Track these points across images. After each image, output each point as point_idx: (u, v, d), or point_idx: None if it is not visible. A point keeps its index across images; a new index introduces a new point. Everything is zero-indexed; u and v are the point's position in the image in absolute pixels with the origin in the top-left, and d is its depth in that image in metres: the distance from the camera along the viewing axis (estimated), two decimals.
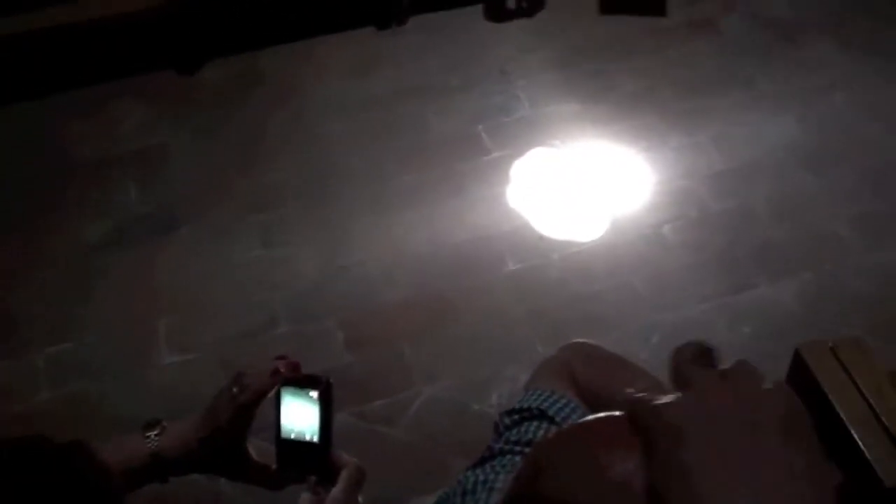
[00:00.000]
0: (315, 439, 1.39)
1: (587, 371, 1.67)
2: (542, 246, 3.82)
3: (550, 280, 3.70)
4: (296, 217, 3.97)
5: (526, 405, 1.51)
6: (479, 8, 4.89)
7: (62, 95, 4.46)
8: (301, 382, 1.42)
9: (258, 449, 1.49)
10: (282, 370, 1.43)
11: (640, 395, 0.88)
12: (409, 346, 3.50)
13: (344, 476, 1.37)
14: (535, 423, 1.48)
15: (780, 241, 3.82)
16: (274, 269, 3.79)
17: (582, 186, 4.04)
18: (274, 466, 1.42)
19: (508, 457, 1.45)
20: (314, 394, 1.40)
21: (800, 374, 1.89)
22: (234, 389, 1.46)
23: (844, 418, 1.78)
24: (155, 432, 1.49)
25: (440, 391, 3.34)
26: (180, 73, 4.61)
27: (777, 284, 3.66)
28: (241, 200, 4.01)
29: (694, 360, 1.07)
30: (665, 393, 1.07)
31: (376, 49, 4.71)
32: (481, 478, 1.40)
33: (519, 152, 4.17)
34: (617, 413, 1.07)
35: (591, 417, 1.12)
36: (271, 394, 1.46)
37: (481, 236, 3.85)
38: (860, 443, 1.74)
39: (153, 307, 3.65)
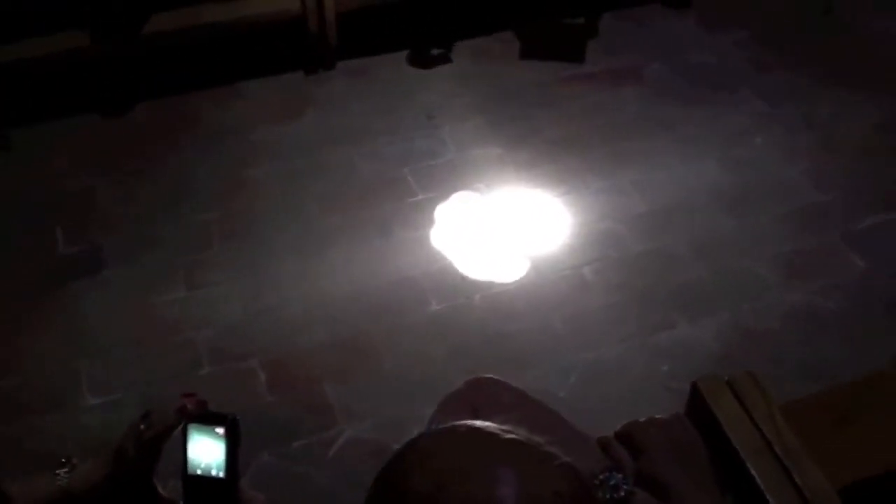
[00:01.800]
0: (221, 475, 1.42)
1: (488, 406, 1.70)
2: (465, 286, 3.86)
3: (472, 320, 3.74)
4: (221, 259, 3.98)
5: None
6: (405, 54, 4.95)
7: None
8: (207, 419, 1.44)
9: (166, 486, 1.51)
10: (189, 407, 1.46)
11: None
12: (330, 386, 3.52)
13: None
14: None
15: (700, 282, 3.89)
16: (198, 309, 3.79)
17: (505, 228, 4.10)
18: (181, 502, 1.44)
19: None
20: (220, 430, 1.43)
21: (697, 407, 1.94)
22: (142, 426, 1.48)
23: (739, 449, 1.83)
24: (65, 470, 1.51)
25: (361, 431, 3.36)
26: (108, 115, 4.61)
27: (695, 324, 3.73)
28: (166, 243, 4.02)
29: None
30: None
31: (304, 93, 4.75)
32: None
33: (444, 195, 4.23)
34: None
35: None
36: (177, 431, 1.48)
37: (405, 277, 3.89)
38: (754, 472, 1.80)
39: (76, 348, 3.64)
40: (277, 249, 4.00)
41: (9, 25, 4.32)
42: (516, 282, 3.89)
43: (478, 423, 1.27)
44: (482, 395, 1.71)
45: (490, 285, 3.87)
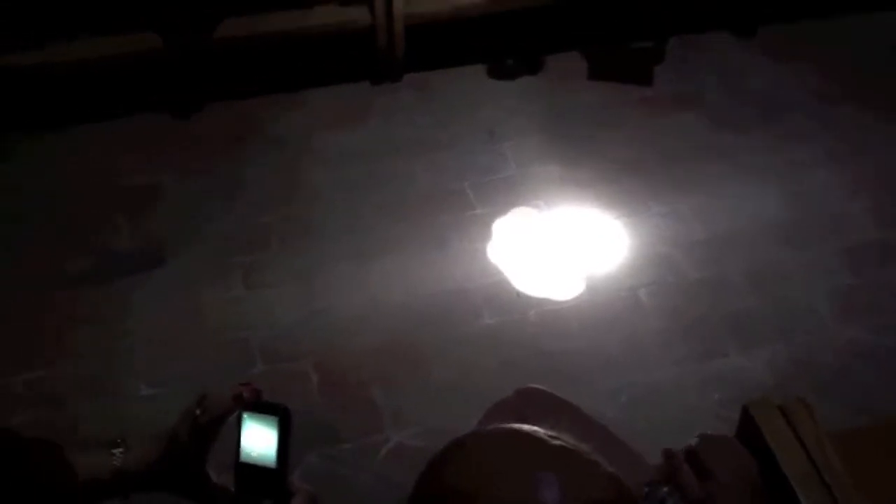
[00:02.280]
0: (273, 465, 1.44)
1: (536, 415, 1.71)
2: (520, 302, 3.87)
3: (525, 335, 3.75)
4: (278, 261, 4.03)
5: None
6: (473, 69, 4.98)
7: (61, 132, 4.54)
8: (262, 409, 1.46)
9: (218, 471, 1.53)
10: (244, 395, 1.48)
11: None
12: (380, 391, 3.54)
13: (296, 501, 1.42)
14: None
15: (754, 312, 3.88)
16: (253, 309, 3.84)
17: (562, 247, 4.11)
18: (232, 489, 1.46)
19: None
20: (274, 420, 1.45)
21: (748, 431, 1.94)
22: (197, 411, 1.51)
23: (788, 474, 1.82)
24: (119, 450, 1.54)
25: (408, 437, 3.38)
26: (176, 116, 4.68)
27: (748, 353, 3.72)
28: (226, 242, 4.07)
29: None
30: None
31: (369, 103, 4.79)
32: None
33: (502, 210, 4.24)
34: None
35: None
36: (232, 417, 1.51)
37: (459, 289, 3.91)
38: (801, 499, 1.79)
39: (131, 340, 3.70)
40: (334, 255, 4.04)
41: (82, 24, 4.40)
42: (571, 300, 3.90)
43: (525, 427, 1.28)
44: (531, 403, 1.72)
45: (544, 302, 3.88)
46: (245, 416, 1.45)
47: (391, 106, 4.78)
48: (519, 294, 3.90)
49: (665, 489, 1.41)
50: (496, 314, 3.83)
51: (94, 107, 4.61)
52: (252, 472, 1.44)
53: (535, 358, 3.65)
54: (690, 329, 3.80)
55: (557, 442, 1.20)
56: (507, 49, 5.07)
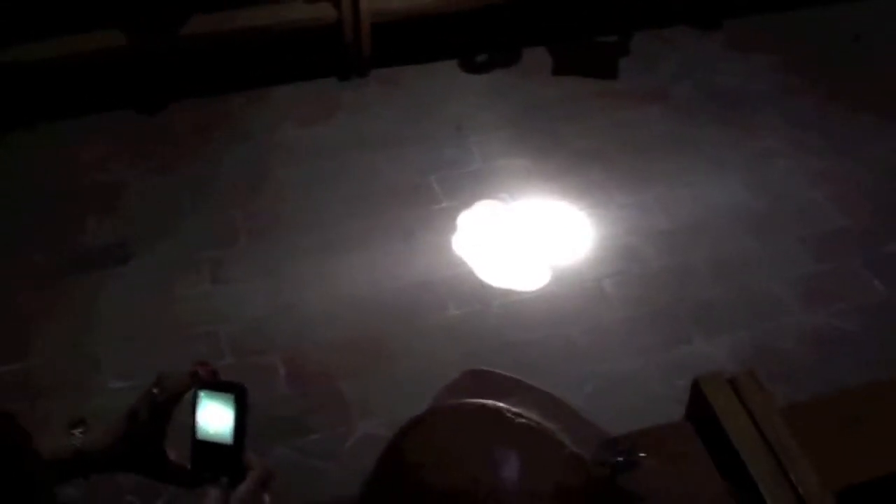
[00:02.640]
0: (229, 442, 1.46)
1: (490, 393, 1.73)
2: (484, 293, 3.90)
3: (489, 327, 3.78)
4: (246, 255, 4.04)
5: None
6: (439, 65, 5.01)
7: (27, 131, 4.55)
8: (218, 387, 1.49)
9: (175, 449, 1.56)
10: (200, 373, 1.51)
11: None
12: (347, 383, 3.56)
13: (251, 476, 1.45)
14: None
15: (718, 300, 3.92)
16: (222, 303, 3.85)
17: (527, 238, 4.14)
18: (189, 466, 1.49)
19: None
20: (230, 398, 1.47)
21: (698, 405, 1.97)
22: (155, 390, 1.53)
23: (738, 446, 1.86)
24: (79, 430, 1.56)
25: (375, 427, 3.40)
26: (143, 113, 4.69)
27: (712, 341, 3.75)
28: (192, 237, 4.09)
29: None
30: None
31: (336, 98, 4.82)
32: None
33: (468, 203, 4.28)
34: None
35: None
36: (188, 395, 1.53)
37: (425, 281, 3.94)
38: (751, 470, 1.82)
39: (100, 335, 3.71)
40: (301, 249, 4.06)
41: (49, 22, 4.41)
42: (535, 291, 3.93)
43: (489, 402, 1.28)
44: (482, 383, 1.73)
45: (508, 293, 3.91)
46: (201, 394, 1.48)
47: (358, 101, 4.80)
48: (484, 285, 3.93)
49: (625, 444, 1.42)
50: (461, 306, 3.85)
51: (61, 104, 4.61)
52: (209, 449, 1.46)
53: (499, 348, 3.68)
54: (654, 318, 3.84)
55: (522, 420, 1.20)
56: (475, 45, 5.10)
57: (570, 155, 4.52)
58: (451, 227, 4.16)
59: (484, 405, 1.26)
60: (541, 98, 4.84)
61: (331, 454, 3.34)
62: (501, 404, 1.26)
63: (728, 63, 5.10)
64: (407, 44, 5.00)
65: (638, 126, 4.70)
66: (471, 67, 5.00)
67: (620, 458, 1.42)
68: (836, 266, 4.07)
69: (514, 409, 1.23)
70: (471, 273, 3.98)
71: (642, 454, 1.46)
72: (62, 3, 4.42)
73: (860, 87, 4.95)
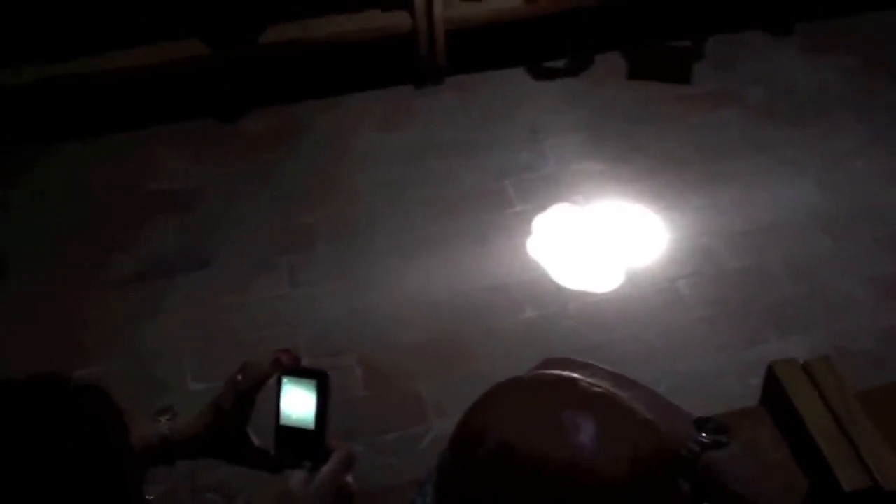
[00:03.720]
0: (311, 427, 1.50)
1: (573, 368, 1.74)
2: (560, 296, 3.92)
3: (565, 328, 3.79)
4: (323, 259, 4.10)
5: None
6: (513, 71, 5.04)
7: (110, 138, 4.68)
8: (301, 373, 1.53)
9: (259, 436, 1.60)
10: (283, 360, 1.55)
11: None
12: (423, 384, 3.60)
13: (334, 458, 1.48)
14: None
15: (794, 300, 3.90)
16: (299, 306, 3.91)
17: (601, 241, 4.15)
18: (272, 451, 1.53)
19: None
20: (312, 384, 1.51)
21: (772, 390, 1.98)
22: (238, 377, 1.58)
23: (811, 429, 1.86)
24: (166, 417, 1.62)
25: (451, 427, 3.40)
26: (222, 121, 4.79)
27: (788, 340, 3.73)
28: (269, 241, 4.16)
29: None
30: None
31: (411, 106, 4.87)
32: None
33: (543, 207, 4.30)
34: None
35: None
36: (272, 381, 1.57)
37: (501, 284, 3.97)
38: (824, 452, 1.83)
39: (181, 337, 3.79)
40: (377, 252, 4.11)
41: (131, 32, 4.52)
42: (611, 293, 3.94)
43: (564, 373, 1.31)
44: (559, 365, 1.75)
45: (584, 295, 3.93)
46: (284, 380, 1.52)
47: (433, 108, 4.85)
48: (559, 288, 3.95)
49: (715, 423, 1.44)
50: (537, 308, 3.87)
51: (143, 113, 4.73)
52: (292, 434, 1.50)
53: (575, 349, 3.68)
54: (730, 318, 3.83)
55: (597, 388, 1.24)
56: (549, 51, 5.12)
57: (644, 158, 4.53)
58: (526, 231, 4.19)
59: (560, 375, 1.29)
60: (615, 102, 4.85)
61: (407, 452, 3.37)
62: (576, 375, 1.29)
63: (802, 66, 5.07)
64: (482, 51, 5.03)
65: (712, 130, 4.69)
66: (545, 73, 5.02)
67: (709, 438, 1.44)
68: None
69: (589, 380, 1.26)
70: (546, 276, 4.00)
71: (729, 435, 1.48)
72: (143, 13, 4.52)
73: None
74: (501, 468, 1.16)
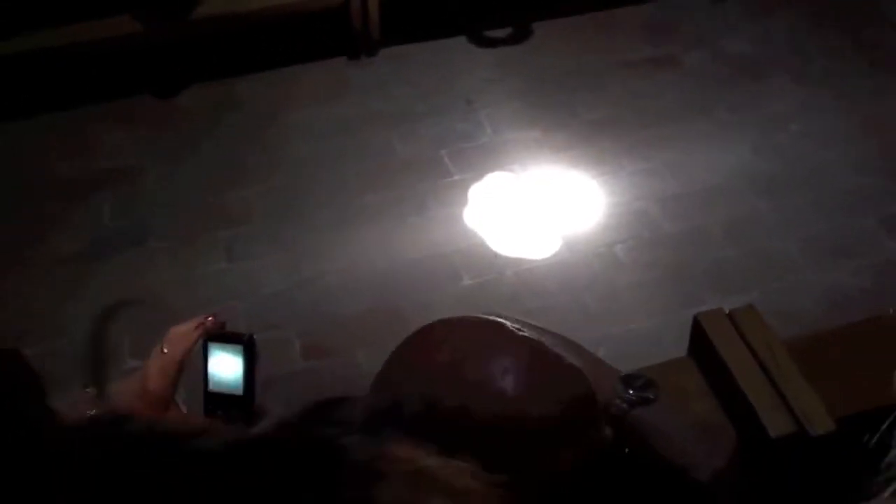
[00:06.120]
0: (240, 392, 1.49)
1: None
2: (497, 263, 3.92)
3: (503, 295, 3.80)
4: (261, 233, 4.08)
5: None
6: (449, 41, 5.02)
7: (43, 117, 4.60)
8: (226, 338, 1.52)
9: (187, 402, 1.59)
10: (207, 326, 1.54)
11: None
12: (362, 354, 3.59)
13: (265, 421, 1.48)
14: None
15: (731, 262, 3.92)
16: (237, 281, 3.89)
17: (538, 208, 4.16)
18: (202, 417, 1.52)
19: None
20: (239, 348, 1.50)
21: (699, 340, 1.99)
22: (164, 349, 1.57)
23: (736, 376, 1.88)
24: (90, 389, 1.60)
25: None
26: (158, 97, 4.74)
27: (725, 301, 3.67)
28: (208, 218, 4.12)
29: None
30: None
31: (346, 78, 4.84)
32: None
33: (479, 176, 4.29)
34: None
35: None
36: (197, 346, 1.56)
37: (438, 253, 3.96)
38: (750, 398, 1.84)
39: (119, 315, 3.75)
40: (316, 225, 4.09)
41: (64, 9, 4.46)
42: (548, 259, 3.94)
43: (492, 316, 1.32)
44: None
45: (521, 262, 3.93)
46: (210, 345, 1.51)
47: (369, 80, 4.82)
48: (497, 255, 3.96)
49: (643, 379, 1.44)
50: (475, 276, 3.88)
51: (75, 92, 4.67)
52: (220, 399, 1.49)
53: (514, 315, 3.69)
54: (667, 281, 3.85)
55: (523, 333, 1.24)
56: (484, 20, 5.11)
57: (581, 126, 4.53)
58: (463, 200, 4.18)
59: (487, 317, 1.30)
60: (552, 71, 4.85)
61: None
62: (503, 319, 1.29)
63: (740, 30, 5.07)
64: (415, 21, 5.01)
65: (650, 95, 4.70)
66: (480, 43, 5.01)
67: (636, 395, 1.45)
68: (849, 225, 4.07)
69: (515, 325, 1.27)
70: (483, 244, 4.00)
71: (657, 391, 1.48)
72: None
73: (873, 48, 4.93)
74: (423, 417, 1.18)
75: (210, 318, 1.58)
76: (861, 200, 4.16)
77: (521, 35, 5.04)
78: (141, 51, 4.66)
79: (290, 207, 4.16)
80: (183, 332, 1.60)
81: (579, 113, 4.59)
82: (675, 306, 3.73)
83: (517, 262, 3.93)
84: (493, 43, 5.02)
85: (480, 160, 4.36)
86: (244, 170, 4.35)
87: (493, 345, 1.22)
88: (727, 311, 2.01)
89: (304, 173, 4.32)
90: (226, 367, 1.51)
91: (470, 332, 1.26)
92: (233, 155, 4.42)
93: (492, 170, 4.32)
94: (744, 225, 4.07)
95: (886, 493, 1.37)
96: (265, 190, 4.25)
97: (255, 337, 1.52)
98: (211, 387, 1.51)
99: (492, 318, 1.29)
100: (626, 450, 1.44)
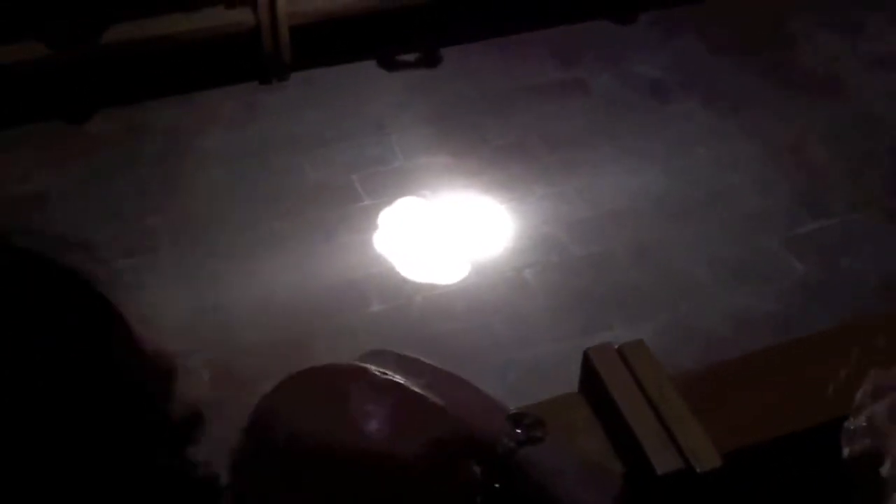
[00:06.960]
0: None
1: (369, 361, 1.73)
2: (406, 288, 3.93)
3: (412, 320, 3.81)
4: (168, 261, 4.04)
5: None
6: (361, 65, 5.01)
7: None
8: None
9: None
10: None
11: None
12: (270, 384, 3.55)
13: None
14: None
15: (639, 285, 3.97)
16: (143, 310, 3.83)
17: (448, 233, 4.17)
18: None
19: None
20: None
21: (589, 376, 2.00)
22: None
23: (625, 413, 1.88)
24: None
25: None
26: (68, 122, 4.68)
27: (634, 325, 3.79)
28: (111, 245, 4.05)
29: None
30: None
31: (257, 102, 4.81)
32: None
33: (390, 201, 4.30)
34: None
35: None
36: None
37: (348, 279, 3.96)
38: (638, 435, 1.84)
39: None
40: (223, 252, 4.06)
41: None
42: (457, 284, 3.96)
43: (353, 363, 1.31)
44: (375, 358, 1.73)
45: (431, 287, 3.94)
46: None
47: (279, 104, 4.80)
48: (406, 280, 3.96)
49: (531, 418, 1.44)
50: (384, 301, 3.88)
51: None
52: None
53: (422, 341, 3.70)
54: (576, 305, 3.88)
55: (386, 377, 1.23)
56: (394, 46, 5.11)
57: (491, 151, 4.55)
58: (374, 225, 4.18)
59: (350, 364, 1.29)
60: (461, 96, 4.87)
61: None
62: (368, 365, 1.28)
63: (647, 54, 5.14)
64: (326, 45, 5.00)
65: (559, 119, 4.74)
66: (391, 67, 5.01)
67: (524, 434, 1.45)
68: (755, 247, 4.14)
69: (379, 369, 1.26)
70: (392, 269, 4.01)
71: (545, 430, 1.49)
72: None
73: (779, 72, 5.02)
74: (289, 456, 1.17)
75: None
76: (766, 222, 4.23)
77: (430, 60, 5.05)
78: (51, 75, 4.59)
79: (197, 234, 4.13)
80: None
81: (489, 138, 4.61)
82: (583, 330, 3.76)
83: (427, 287, 3.94)
84: (403, 67, 5.02)
85: (391, 185, 4.37)
86: (152, 197, 4.30)
87: (355, 390, 1.21)
88: (616, 347, 2.01)
89: (214, 199, 4.29)
90: None
91: (332, 379, 1.25)
92: (141, 182, 4.37)
93: (402, 194, 4.32)
94: (651, 248, 4.11)
95: None
96: (172, 217, 4.21)
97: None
98: None
99: (356, 364, 1.29)
100: (497, 485, 1.44)
